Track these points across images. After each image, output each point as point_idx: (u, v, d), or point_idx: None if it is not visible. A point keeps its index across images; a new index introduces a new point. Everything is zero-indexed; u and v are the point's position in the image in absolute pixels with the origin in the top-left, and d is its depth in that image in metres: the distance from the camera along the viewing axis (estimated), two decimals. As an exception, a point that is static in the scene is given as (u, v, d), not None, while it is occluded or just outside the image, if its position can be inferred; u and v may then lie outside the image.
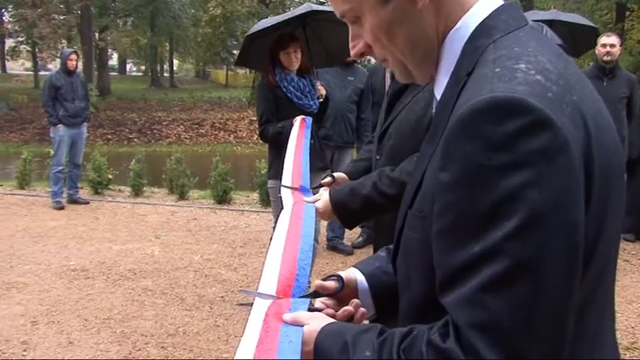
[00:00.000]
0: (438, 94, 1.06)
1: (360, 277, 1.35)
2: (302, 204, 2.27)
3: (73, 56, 8.70)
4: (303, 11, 4.86)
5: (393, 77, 2.73)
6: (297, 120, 4.16)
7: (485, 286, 0.83)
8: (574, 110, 0.87)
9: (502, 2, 1.04)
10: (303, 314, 1.13)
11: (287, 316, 1.13)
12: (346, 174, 2.70)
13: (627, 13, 21.31)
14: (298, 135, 4.05)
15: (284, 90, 4.64)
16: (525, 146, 0.82)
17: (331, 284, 1.31)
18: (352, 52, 1.15)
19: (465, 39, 1.02)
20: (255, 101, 5.18)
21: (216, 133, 24.77)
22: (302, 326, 1.09)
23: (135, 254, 6.53)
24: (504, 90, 0.85)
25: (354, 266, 1.40)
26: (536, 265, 0.82)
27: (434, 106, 1.10)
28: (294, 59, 4.69)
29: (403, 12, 1.03)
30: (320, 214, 2.40)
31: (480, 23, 1.01)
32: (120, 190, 10.05)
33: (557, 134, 0.82)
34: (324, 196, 2.44)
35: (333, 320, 1.11)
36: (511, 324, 0.82)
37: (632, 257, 6.48)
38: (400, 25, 1.04)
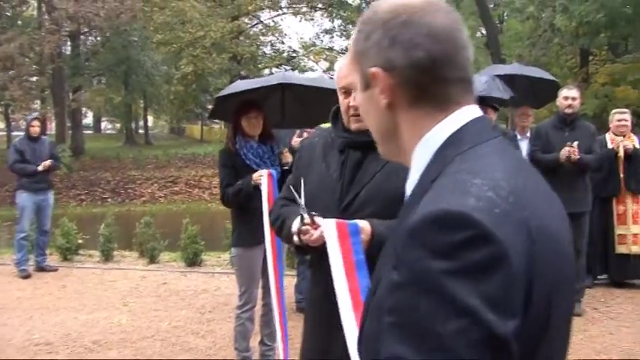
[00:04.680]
0: (409, 189, 1.13)
1: None
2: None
3: (36, 122, 8.61)
4: (275, 82, 5.09)
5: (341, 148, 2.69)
6: (264, 176, 4.18)
7: None
8: (521, 226, 0.94)
9: (473, 116, 1.10)
10: None
11: None
12: None
13: (590, 57, 21.93)
14: (269, 194, 4.09)
15: (243, 157, 4.61)
16: (467, 257, 0.88)
17: None
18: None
19: (437, 147, 1.08)
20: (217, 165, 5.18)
21: (191, 190, 24.67)
22: None
23: (101, 324, 6.37)
24: (454, 204, 0.93)
25: None
26: None
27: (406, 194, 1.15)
28: (255, 125, 4.68)
29: (376, 105, 1.12)
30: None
31: (452, 134, 1.08)
32: (90, 255, 9.86)
33: (498, 248, 0.89)
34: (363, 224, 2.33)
35: None
36: None
37: (601, 304, 6.45)
38: (370, 114, 1.16)
